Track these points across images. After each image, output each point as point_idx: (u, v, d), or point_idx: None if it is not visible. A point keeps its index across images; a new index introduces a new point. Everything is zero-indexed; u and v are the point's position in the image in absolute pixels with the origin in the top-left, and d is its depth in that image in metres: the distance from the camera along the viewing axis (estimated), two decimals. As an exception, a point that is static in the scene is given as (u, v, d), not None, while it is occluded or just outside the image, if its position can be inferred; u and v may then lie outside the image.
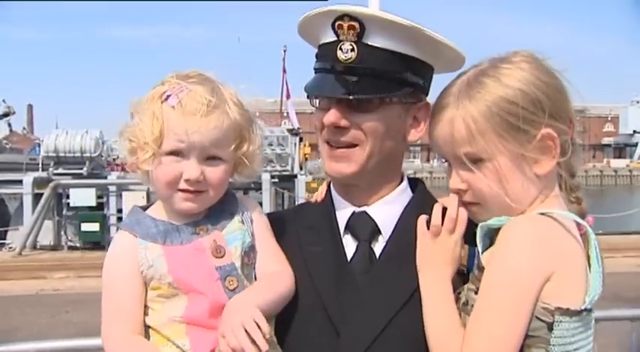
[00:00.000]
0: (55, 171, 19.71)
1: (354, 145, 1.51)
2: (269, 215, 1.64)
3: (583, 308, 1.25)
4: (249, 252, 1.49)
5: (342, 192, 1.62)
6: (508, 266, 1.23)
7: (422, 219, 1.46)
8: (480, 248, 1.35)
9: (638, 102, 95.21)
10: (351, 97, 1.47)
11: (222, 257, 1.44)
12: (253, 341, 1.26)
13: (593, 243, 1.32)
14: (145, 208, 1.54)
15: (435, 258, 1.40)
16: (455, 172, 1.40)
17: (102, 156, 20.94)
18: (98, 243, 17.78)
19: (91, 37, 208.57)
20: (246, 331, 1.27)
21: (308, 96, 1.57)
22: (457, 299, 1.37)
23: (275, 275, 1.49)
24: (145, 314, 1.45)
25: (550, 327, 1.23)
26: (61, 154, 19.71)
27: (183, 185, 1.42)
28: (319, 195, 1.69)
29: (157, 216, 1.49)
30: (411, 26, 1.45)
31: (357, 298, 1.47)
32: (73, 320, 8.77)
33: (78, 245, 18.27)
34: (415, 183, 1.68)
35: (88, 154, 19.76)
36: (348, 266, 1.52)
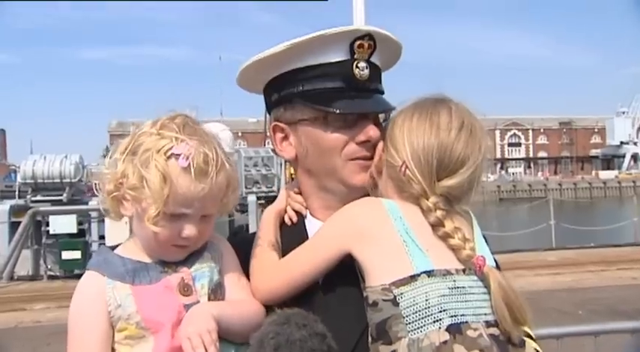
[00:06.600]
0: (33, 198, 19.33)
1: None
2: (246, 236, 1.70)
3: (415, 273, 1.34)
4: (217, 290, 1.49)
5: (322, 212, 1.63)
6: (321, 229, 1.50)
7: None
8: None
9: (623, 113, 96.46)
10: (388, 111, 1.60)
11: (189, 295, 1.44)
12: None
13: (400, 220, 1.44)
14: (113, 248, 1.54)
15: None
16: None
17: (82, 182, 20.55)
18: (74, 271, 17.27)
19: (64, 59, 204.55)
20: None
21: (325, 117, 1.56)
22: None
23: (240, 300, 1.50)
24: None
25: (395, 302, 1.33)
26: (40, 180, 19.35)
27: (180, 242, 1.44)
28: (293, 216, 1.67)
29: (126, 255, 1.49)
30: (400, 44, 1.64)
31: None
32: (55, 352, 8.40)
33: (58, 274, 17.78)
34: None
35: (67, 180, 19.46)
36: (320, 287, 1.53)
